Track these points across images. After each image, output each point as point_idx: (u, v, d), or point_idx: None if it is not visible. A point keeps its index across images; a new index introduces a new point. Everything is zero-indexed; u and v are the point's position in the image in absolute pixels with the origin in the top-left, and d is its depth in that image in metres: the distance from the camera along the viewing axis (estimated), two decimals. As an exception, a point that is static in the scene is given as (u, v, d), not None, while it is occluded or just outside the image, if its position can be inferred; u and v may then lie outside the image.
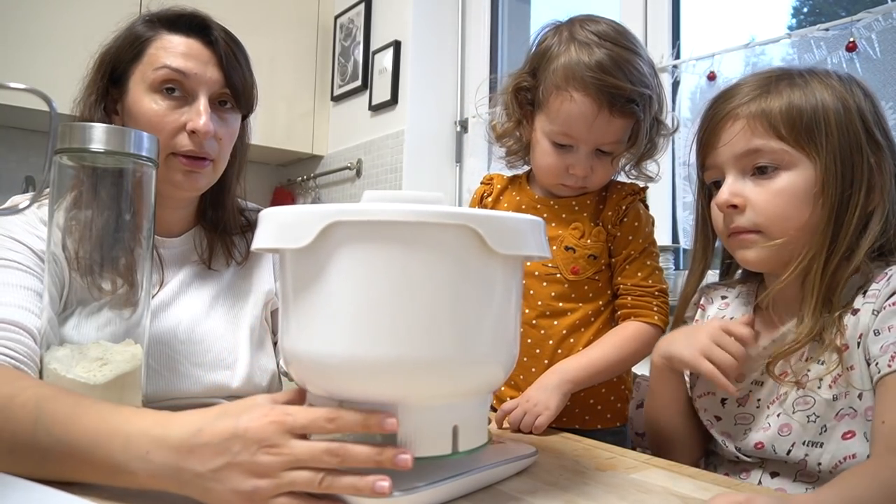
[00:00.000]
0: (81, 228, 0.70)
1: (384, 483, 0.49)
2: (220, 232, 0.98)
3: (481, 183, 1.07)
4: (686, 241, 1.65)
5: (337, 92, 2.58)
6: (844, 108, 0.73)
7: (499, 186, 1.03)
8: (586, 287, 0.92)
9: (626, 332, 0.89)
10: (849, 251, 0.72)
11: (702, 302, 0.89)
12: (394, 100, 2.31)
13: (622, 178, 0.99)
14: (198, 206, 0.98)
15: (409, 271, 0.52)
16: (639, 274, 0.91)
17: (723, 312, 0.86)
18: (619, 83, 0.82)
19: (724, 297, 0.87)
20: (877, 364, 0.66)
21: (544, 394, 0.83)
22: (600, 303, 0.93)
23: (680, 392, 0.84)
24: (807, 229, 0.73)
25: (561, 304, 0.92)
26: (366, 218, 0.51)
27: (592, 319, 0.93)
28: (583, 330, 0.92)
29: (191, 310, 0.93)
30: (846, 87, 0.75)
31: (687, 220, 1.64)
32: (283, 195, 2.79)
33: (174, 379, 0.88)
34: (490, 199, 1.03)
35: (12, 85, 0.62)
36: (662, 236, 1.74)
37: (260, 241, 0.57)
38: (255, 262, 1.02)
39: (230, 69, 0.91)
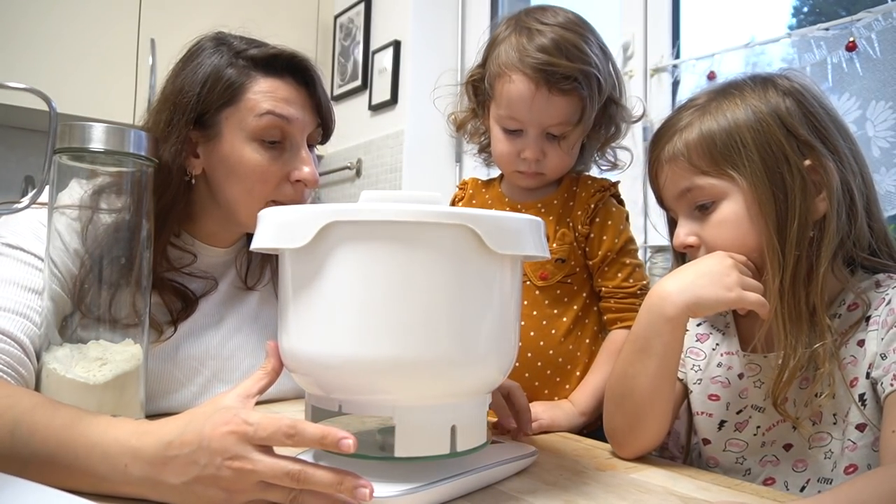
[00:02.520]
0: (81, 228, 0.70)
1: (365, 490, 0.49)
2: (265, 255, 0.95)
3: (457, 187, 1.08)
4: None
5: (337, 91, 2.58)
6: (758, 119, 0.70)
7: (471, 191, 1.04)
8: (559, 292, 0.91)
9: (617, 345, 0.87)
10: (804, 264, 0.68)
11: None
12: (394, 100, 2.31)
13: (594, 171, 0.99)
14: None
15: (407, 271, 0.52)
16: (619, 275, 0.90)
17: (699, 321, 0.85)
18: (554, 60, 0.82)
19: None
20: (881, 384, 0.65)
21: (557, 411, 0.85)
22: (575, 307, 0.91)
23: (678, 353, 0.73)
24: (761, 253, 0.71)
25: (535, 313, 0.91)
26: (363, 218, 0.51)
27: (572, 327, 0.91)
28: (562, 340, 0.91)
29: (224, 326, 0.91)
30: (759, 93, 0.72)
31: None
32: (283, 195, 2.79)
33: (200, 394, 0.87)
34: (462, 203, 1.04)
35: (12, 85, 0.63)
36: (658, 237, 1.74)
37: (259, 240, 0.57)
38: None
39: (328, 113, 0.89)
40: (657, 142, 0.77)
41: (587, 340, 0.92)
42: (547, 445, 0.77)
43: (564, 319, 0.91)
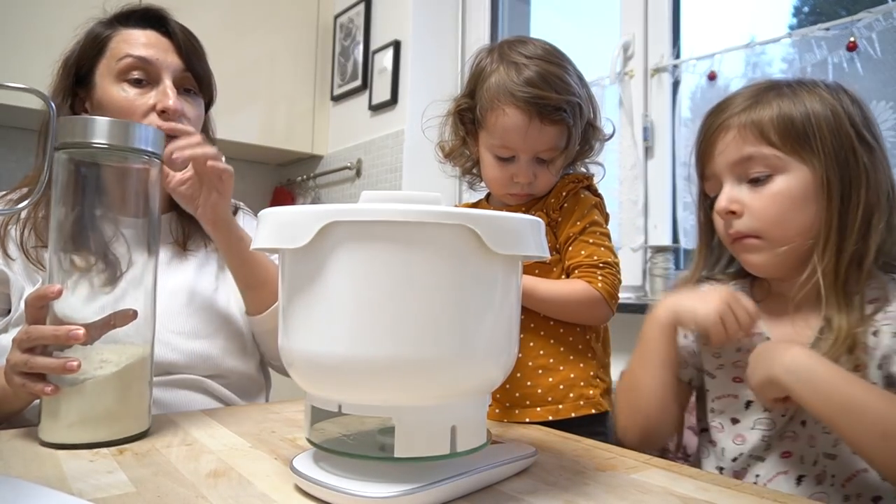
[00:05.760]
0: (78, 226, 0.70)
1: (78, 332, 0.65)
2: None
3: None
4: (686, 241, 1.65)
5: (337, 92, 2.58)
6: (834, 114, 0.75)
7: None
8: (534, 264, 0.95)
9: (573, 283, 0.91)
10: (858, 252, 0.73)
11: None
12: (394, 100, 2.31)
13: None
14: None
15: (406, 271, 0.52)
16: (582, 252, 0.93)
17: None
18: (546, 94, 0.88)
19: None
20: None
21: None
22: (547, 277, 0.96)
23: (673, 355, 0.83)
24: (809, 232, 0.74)
25: None
26: (363, 218, 0.51)
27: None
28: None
29: (168, 286, 0.97)
30: (833, 94, 0.77)
31: (687, 219, 1.64)
32: (283, 195, 2.79)
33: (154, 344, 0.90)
34: None
35: (12, 85, 0.63)
36: (662, 237, 1.74)
37: (259, 241, 0.57)
38: None
39: (189, 54, 0.99)
40: (723, 109, 0.80)
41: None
42: (547, 445, 0.77)
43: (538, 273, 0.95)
